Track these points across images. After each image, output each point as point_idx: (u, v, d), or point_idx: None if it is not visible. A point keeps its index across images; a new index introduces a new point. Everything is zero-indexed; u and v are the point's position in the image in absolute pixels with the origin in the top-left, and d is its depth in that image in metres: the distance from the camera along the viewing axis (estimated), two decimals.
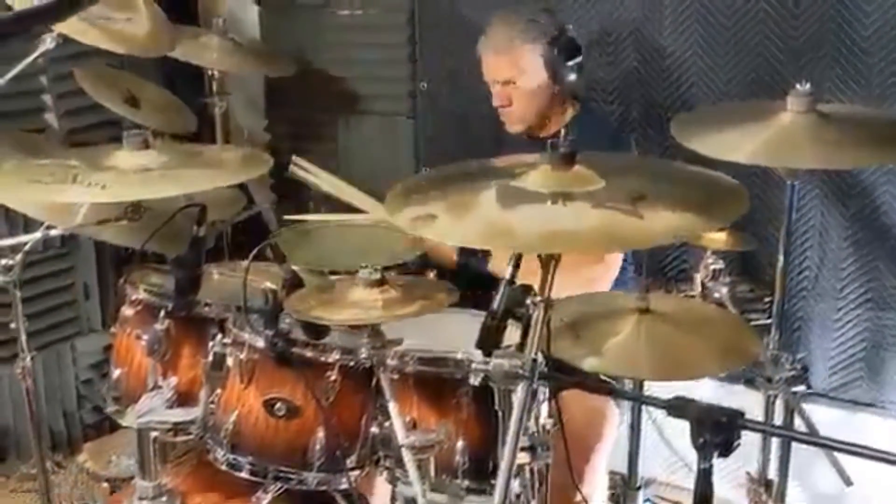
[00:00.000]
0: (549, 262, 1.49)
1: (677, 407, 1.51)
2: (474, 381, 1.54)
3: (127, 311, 2.17)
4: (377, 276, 1.77)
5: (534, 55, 2.53)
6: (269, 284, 2.24)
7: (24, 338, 2.34)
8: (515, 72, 2.57)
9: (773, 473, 2.16)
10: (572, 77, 2.54)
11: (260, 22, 3.65)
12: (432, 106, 3.39)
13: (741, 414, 1.47)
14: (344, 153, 3.64)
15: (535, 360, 1.38)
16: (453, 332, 1.90)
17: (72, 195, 1.78)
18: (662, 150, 2.89)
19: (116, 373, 2.17)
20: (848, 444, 1.38)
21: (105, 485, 3.22)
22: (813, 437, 1.39)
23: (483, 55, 2.63)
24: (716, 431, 1.46)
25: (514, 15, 2.61)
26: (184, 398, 2.07)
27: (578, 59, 2.54)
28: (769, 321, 2.11)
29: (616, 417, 2.44)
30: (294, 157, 2.93)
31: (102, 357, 3.36)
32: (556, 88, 2.57)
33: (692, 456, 1.44)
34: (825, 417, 2.69)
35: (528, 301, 1.52)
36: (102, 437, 3.43)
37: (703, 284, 2.18)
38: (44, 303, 3.16)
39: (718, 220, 1.41)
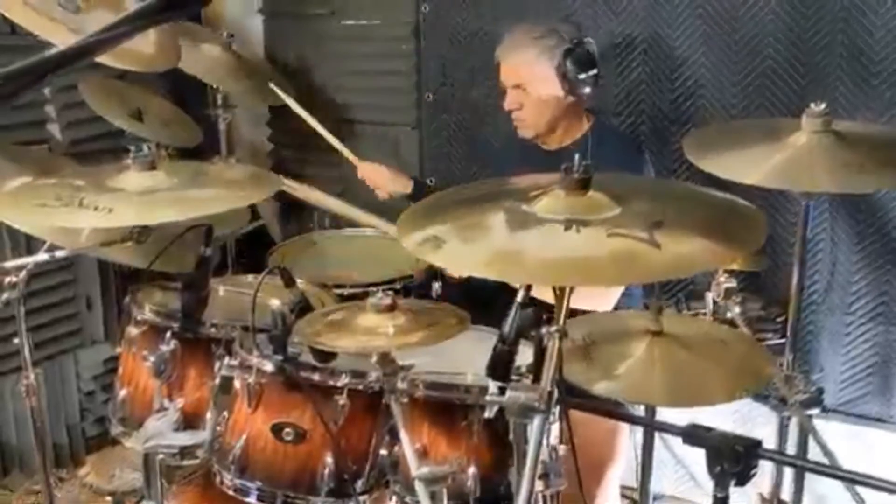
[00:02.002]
0: (563, 291, 1.46)
1: (693, 435, 1.49)
2: (489, 413, 1.51)
3: (132, 330, 2.14)
4: (388, 301, 1.74)
5: (547, 64, 2.51)
6: (276, 302, 2.22)
7: (28, 356, 2.31)
8: (527, 78, 2.55)
9: (786, 495, 2.14)
10: (586, 90, 2.51)
11: (264, 32, 3.63)
12: (437, 117, 3.37)
13: (758, 443, 1.45)
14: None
15: (550, 394, 1.35)
16: (462, 350, 1.88)
17: (78, 220, 1.76)
18: (671, 163, 2.88)
19: (122, 393, 2.15)
20: (868, 476, 1.36)
21: (108, 499, 3.21)
22: (834, 471, 1.37)
23: (500, 59, 2.62)
24: (733, 461, 1.45)
25: (532, 25, 2.61)
26: (190, 419, 2.05)
27: (593, 72, 2.52)
28: (782, 341, 2.09)
29: (627, 437, 2.43)
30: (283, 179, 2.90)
31: (105, 369, 3.35)
32: (569, 100, 2.55)
33: (699, 469, 1.43)
34: (834, 432, 2.67)
35: (543, 328, 1.49)
36: (105, 449, 3.42)
37: (714, 303, 2.16)
38: (46, 315, 3.14)
39: (738, 249, 1.38)
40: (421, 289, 2.71)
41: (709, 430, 1.47)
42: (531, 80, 2.55)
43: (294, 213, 3.67)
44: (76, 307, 3.27)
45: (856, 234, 2.68)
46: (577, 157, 1.50)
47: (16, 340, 2.30)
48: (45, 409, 3.09)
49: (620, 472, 2.46)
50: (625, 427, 2.42)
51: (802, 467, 1.56)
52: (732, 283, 2.12)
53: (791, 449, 2.13)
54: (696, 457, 1.46)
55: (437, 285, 2.70)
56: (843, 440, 2.71)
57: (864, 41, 2.54)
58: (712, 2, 2.74)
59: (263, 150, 3.83)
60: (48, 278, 3.10)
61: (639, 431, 2.44)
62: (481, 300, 2.48)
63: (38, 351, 2.67)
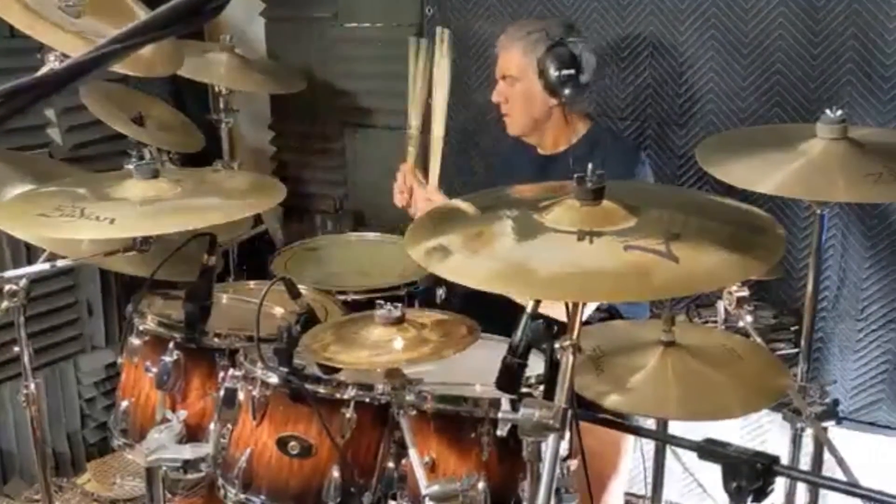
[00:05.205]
0: (576, 304, 1.43)
1: (709, 450, 1.46)
2: (502, 431, 1.48)
3: (134, 341, 2.10)
4: (397, 313, 1.70)
5: (530, 60, 2.51)
6: (280, 310, 2.19)
7: (28, 364, 2.28)
8: (514, 71, 2.56)
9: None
10: (565, 90, 2.49)
11: (266, 35, 3.60)
12: None
13: (776, 459, 1.42)
14: (351, 167, 3.60)
15: (565, 411, 1.32)
16: (470, 359, 1.84)
17: (80, 230, 1.73)
18: (677, 168, 2.85)
19: (124, 404, 2.11)
20: (891, 495, 1.33)
21: None
22: (855, 489, 1.34)
23: (496, 51, 2.64)
24: (751, 478, 1.41)
25: (532, 20, 2.62)
26: (193, 431, 2.02)
27: (569, 72, 2.48)
28: (795, 350, 2.06)
29: (631, 449, 2.40)
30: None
31: (106, 375, 3.32)
32: (551, 101, 2.53)
33: (707, 477, 1.40)
34: (845, 440, 2.63)
35: (556, 343, 1.45)
36: (105, 455, 3.39)
37: (726, 311, 2.12)
38: (47, 320, 3.11)
39: (758, 262, 1.34)
40: (425, 294, 2.68)
41: (724, 444, 1.44)
42: (517, 74, 2.55)
43: (296, 217, 3.64)
44: (77, 312, 3.24)
45: (866, 239, 2.64)
46: (589, 165, 1.46)
47: (16, 349, 2.27)
48: (46, 416, 3.06)
49: (625, 483, 2.43)
50: (629, 439, 2.39)
51: (823, 485, 1.52)
52: (744, 292, 2.08)
53: (805, 460, 2.10)
54: (705, 465, 1.43)
55: (441, 291, 2.67)
56: (854, 447, 2.68)
57: (876, 45, 2.50)
58: (720, 4, 2.71)
59: (266, 154, 3.80)
60: (49, 284, 3.07)
61: (648, 442, 2.41)
62: (487, 306, 2.46)
63: (38, 357, 2.64)
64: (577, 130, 2.61)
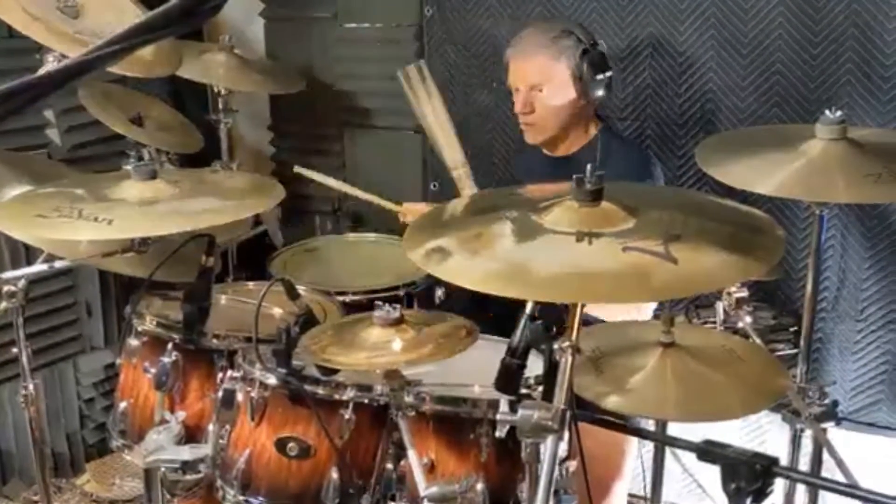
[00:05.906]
0: (575, 305, 1.43)
1: (708, 451, 1.46)
2: (500, 433, 1.48)
3: (133, 342, 2.10)
4: (395, 314, 1.70)
5: (564, 66, 2.45)
6: (279, 311, 2.19)
7: (26, 365, 2.28)
8: (543, 78, 2.47)
9: None
10: (599, 93, 2.46)
11: (265, 35, 3.60)
12: None
13: (776, 461, 1.42)
14: (350, 168, 3.59)
15: (564, 412, 1.31)
16: (468, 360, 1.83)
17: (77, 232, 1.73)
18: (678, 169, 2.85)
19: (122, 406, 2.11)
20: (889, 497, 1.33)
21: None
22: (855, 490, 1.33)
23: (511, 60, 2.54)
24: (750, 479, 1.41)
25: (548, 24, 2.56)
26: (192, 431, 2.02)
27: (607, 75, 2.46)
28: (794, 351, 2.05)
29: (634, 451, 2.39)
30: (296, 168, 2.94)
31: (105, 375, 3.32)
32: (581, 103, 2.49)
33: (706, 478, 1.39)
34: (845, 441, 2.63)
35: (554, 343, 1.45)
36: (105, 456, 3.39)
37: (725, 312, 2.12)
38: (46, 321, 3.11)
39: (757, 263, 1.34)
40: (424, 294, 2.68)
41: (724, 446, 1.44)
42: (547, 81, 2.47)
43: (296, 218, 3.64)
44: (76, 313, 3.24)
45: (866, 239, 2.64)
46: (588, 166, 1.46)
47: (15, 349, 2.27)
48: (45, 417, 3.06)
49: (628, 486, 2.42)
50: (632, 441, 2.39)
51: (822, 486, 1.52)
52: (744, 293, 2.07)
53: (804, 461, 2.09)
54: (704, 466, 1.43)
55: (439, 291, 2.66)
56: (854, 448, 2.67)
57: (876, 45, 2.50)
58: (720, 4, 2.71)
59: (265, 154, 3.80)
60: (47, 284, 3.07)
61: (647, 442, 2.40)
62: (487, 306, 2.46)
63: (37, 357, 2.64)
64: (589, 133, 2.57)
